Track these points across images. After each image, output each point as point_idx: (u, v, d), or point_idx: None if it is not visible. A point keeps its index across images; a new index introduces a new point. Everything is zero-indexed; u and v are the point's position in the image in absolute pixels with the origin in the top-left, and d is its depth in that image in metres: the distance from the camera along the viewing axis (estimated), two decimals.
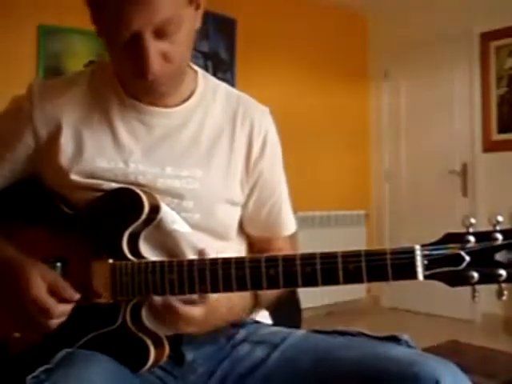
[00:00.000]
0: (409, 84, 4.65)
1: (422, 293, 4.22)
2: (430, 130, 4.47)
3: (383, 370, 0.86)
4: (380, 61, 4.82)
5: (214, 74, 3.83)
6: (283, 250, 1.12)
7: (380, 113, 4.88)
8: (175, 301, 0.91)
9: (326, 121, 4.51)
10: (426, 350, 0.94)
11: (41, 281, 0.91)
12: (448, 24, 4.24)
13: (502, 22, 3.96)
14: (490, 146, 4.12)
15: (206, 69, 3.76)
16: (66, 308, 0.92)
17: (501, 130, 4.08)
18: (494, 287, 0.77)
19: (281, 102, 4.03)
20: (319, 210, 4.32)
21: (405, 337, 0.95)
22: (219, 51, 3.97)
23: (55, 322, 0.92)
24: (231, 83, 3.77)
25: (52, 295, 0.91)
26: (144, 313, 0.96)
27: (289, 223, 1.17)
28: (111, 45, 0.94)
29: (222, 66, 3.97)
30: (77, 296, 0.93)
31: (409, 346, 0.94)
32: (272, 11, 4.20)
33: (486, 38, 4.10)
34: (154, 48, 0.90)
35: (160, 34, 0.90)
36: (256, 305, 1.04)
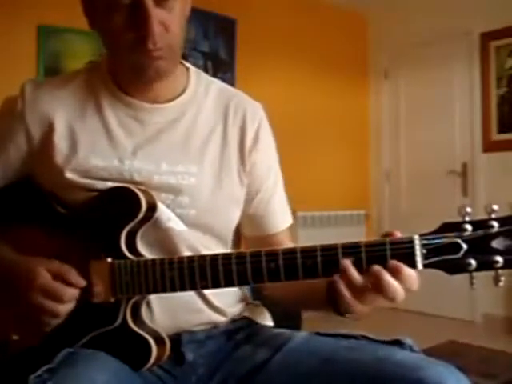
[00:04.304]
0: (409, 84, 4.65)
1: (422, 293, 4.21)
2: (429, 129, 4.46)
3: (388, 373, 0.86)
4: (380, 61, 4.82)
5: (214, 74, 3.83)
6: (283, 245, 1.09)
7: (380, 112, 4.88)
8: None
9: (325, 121, 4.51)
10: (426, 350, 0.94)
11: (44, 269, 0.90)
12: (448, 24, 4.24)
13: (502, 22, 3.96)
14: (489, 146, 4.12)
15: (205, 69, 3.76)
16: (75, 292, 0.91)
17: (501, 130, 4.08)
18: (494, 287, 0.78)
19: (280, 101, 4.03)
20: (319, 210, 4.32)
21: (408, 341, 0.94)
22: (219, 51, 3.96)
23: (65, 308, 0.90)
24: (231, 83, 3.76)
25: (58, 281, 0.90)
26: (144, 311, 0.96)
27: (278, 221, 1.12)
28: (109, 18, 0.93)
29: (222, 66, 3.97)
30: (83, 282, 0.92)
31: (412, 350, 0.93)
32: (272, 11, 4.20)
33: (486, 38, 4.10)
34: (155, 15, 0.91)
35: (159, 0, 0.92)
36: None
